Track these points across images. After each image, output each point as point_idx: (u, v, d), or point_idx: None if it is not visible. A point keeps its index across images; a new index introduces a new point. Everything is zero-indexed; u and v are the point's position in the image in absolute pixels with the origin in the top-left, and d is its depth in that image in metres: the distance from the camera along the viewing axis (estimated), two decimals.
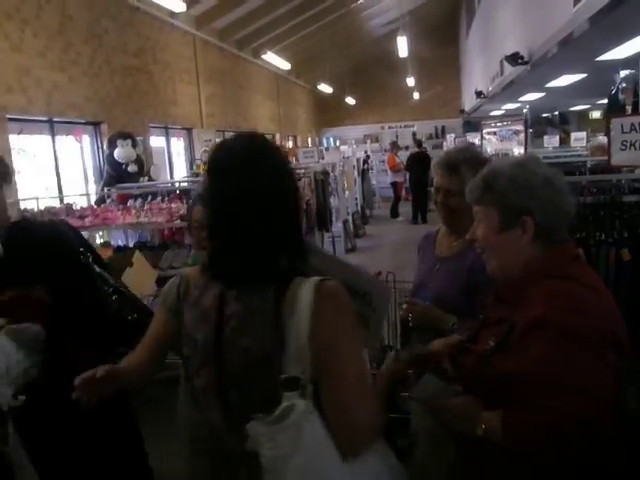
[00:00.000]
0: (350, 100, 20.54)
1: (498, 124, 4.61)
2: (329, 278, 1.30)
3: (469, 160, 2.10)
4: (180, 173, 10.31)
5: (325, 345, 1.24)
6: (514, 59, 6.88)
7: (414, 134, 20.45)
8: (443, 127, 21.43)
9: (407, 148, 17.31)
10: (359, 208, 12.31)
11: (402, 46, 13.24)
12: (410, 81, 18.36)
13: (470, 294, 1.97)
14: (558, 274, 1.41)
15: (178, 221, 4.91)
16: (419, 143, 12.42)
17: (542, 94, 10.55)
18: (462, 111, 19.29)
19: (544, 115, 16.67)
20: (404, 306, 2.14)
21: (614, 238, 2.60)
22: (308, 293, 1.26)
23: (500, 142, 3.92)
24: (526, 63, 6.84)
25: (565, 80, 8.42)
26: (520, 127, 4.41)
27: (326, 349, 1.24)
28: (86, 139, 7.79)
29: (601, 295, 1.42)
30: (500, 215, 1.47)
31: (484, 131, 4.96)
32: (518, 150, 4.08)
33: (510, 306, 1.47)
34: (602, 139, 6.04)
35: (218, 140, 11.87)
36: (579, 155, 7.98)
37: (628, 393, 1.33)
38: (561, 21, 5.26)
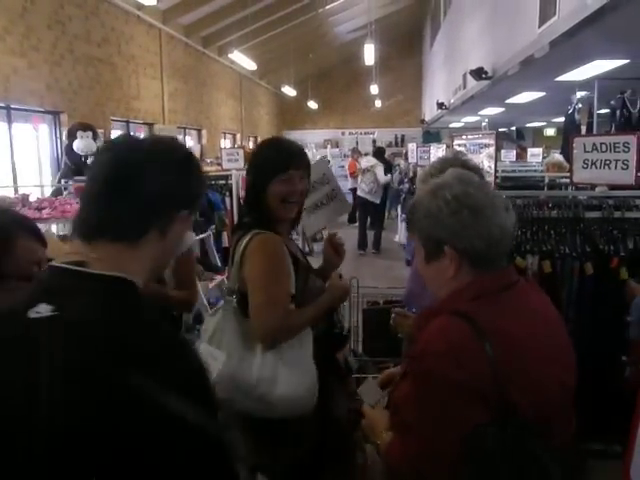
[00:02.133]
0: (312, 104, 20.62)
1: (469, 136, 4.70)
2: (263, 232, 1.94)
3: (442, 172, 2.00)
4: None
5: (246, 275, 1.94)
6: (478, 74, 7.05)
7: (374, 141, 20.66)
8: (403, 136, 21.72)
9: (367, 155, 17.42)
10: None
11: (369, 54, 13.35)
12: (373, 89, 18.55)
13: None
14: (456, 310, 1.29)
15: None
16: (380, 150, 12.36)
17: (502, 109, 10.84)
18: (422, 121, 19.61)
19: (501, 130, 17.10)
20: (393, 316, 2.16)
21: (577, 252, 2.70)
22: (245, 240, 1.95)
23: (470, 154, 4.01)
24: (489, 78, 7.01)
25: (525, 97, 8.67)
26: (489, 140, 4.52)
27: (247, 277, 1.93)
28: (44, 129, 7.59)
29: (504, 345, 1.23)
30: (424, 247, 1.41)
31: (455, 142, 5.07)
32: (488, 163, 4.20)
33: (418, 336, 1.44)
34: (558, 156, 6.25)
35: (180, 137, 11.74)
36: (535, 170, 8.26)
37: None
38: (526, 40, 5.42)
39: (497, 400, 1.18)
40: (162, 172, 1.04)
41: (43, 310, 0.96)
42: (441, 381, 1.22)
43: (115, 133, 9.22)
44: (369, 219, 10.93)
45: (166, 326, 1.04)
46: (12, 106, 6.75)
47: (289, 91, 19.02)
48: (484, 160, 4.47)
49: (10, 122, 6.83)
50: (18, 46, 6.65)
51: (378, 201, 10.52)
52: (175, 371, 0.94)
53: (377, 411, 1.58)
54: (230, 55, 12.98)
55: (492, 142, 4.66)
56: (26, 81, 6.79)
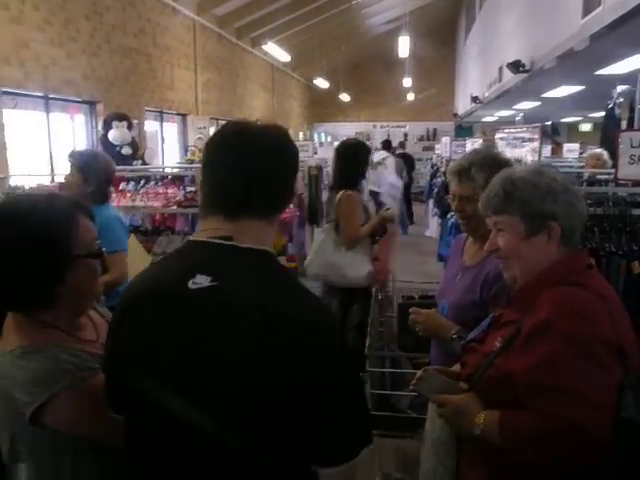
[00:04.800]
0: (344, 97, 20.52)
1: (512, 130, 4.61)
2: (350, 190, 3.70)
3: (479, 163, 2.03)
4: (172, 159, 10.22)
5: (339, 212, 3.75)
6: (515, 67, 6.92)
7: (406, 134, 20.50)
8: (435, 130, 21.50)
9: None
10: None
11: (403, 46, 13.21)
12: (406, 81, 18.37)
13: (483, 307, 1.92)
14: (570, 281, 1.42)
15: (175, 207, 4.86)
16: (387, 143, 12.27)
17: (537, 103, 10.64)
18: (455, 115, 19.38)
19: (536, 125, 16.80)
20: (411, 316, 2.13)
21: (624, 250, 2.62)
22: (340, 194, 3.73)
23: (512, 148, 3.93)
24: (527, 71, 6.87)
25: (562, 91, 8.49)
26: (533, 134, 4.42)
27: (339, 213, 3.75)
28: (79, 118, 7.69)
29: (611, 306, 1.42)
30: (525, 222, 1.48)
31: (496, 136, 4.97)
32: (532, 158, 4.10)
33: (521, 310, 1.48)
34: (600, 151, 6.10)
35: (212, 128, 11.80)
36: (571, 166, 8.07)
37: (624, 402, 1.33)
38: (566, 32, 5.29)
39: (618, 353, 1.34)
40: (296, 157, 1.25)
41: (202, 281, 1.07)
42: (588, 337, 1.32)
43: (149, 124, 9.30)
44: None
45: (306, 289, 1.18)
46: (50, 96, 6.84)
47: (321, 83, 18.96)
48: (527, 154, 4.38)
49: (48, 111, 6.93)
50: (57, 37, 6.74)
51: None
52: (327, 326, 1.12)
53: (463, 396, 1.50)
54: (264, 46, 12.99)
55: (535, 136, 4.57)
56: (64, 71, 6.87)
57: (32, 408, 1.21)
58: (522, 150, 4.48)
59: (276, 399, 1.05)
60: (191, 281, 1.08)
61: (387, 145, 11.71)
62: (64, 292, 1.30)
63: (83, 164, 3.02)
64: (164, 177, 5.71)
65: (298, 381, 1.05)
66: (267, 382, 1.04)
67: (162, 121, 10.18)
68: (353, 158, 3.81)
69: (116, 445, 1.23)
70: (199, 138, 9.03)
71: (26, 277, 1.26)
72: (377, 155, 10.87)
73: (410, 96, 20.50)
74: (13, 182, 5.56)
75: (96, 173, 2.97)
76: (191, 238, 1.19)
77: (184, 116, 10.89)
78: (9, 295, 1.30)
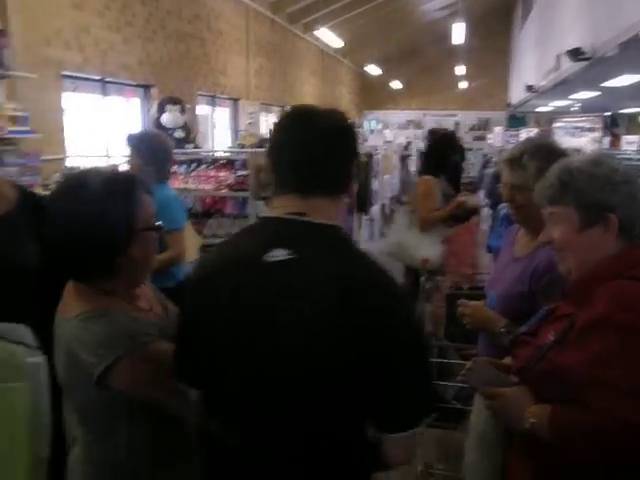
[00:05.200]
0: (396, 84, 20.30)
1: (571, 119, 4.48)
2: (427, 176, 4.20)
3: (531, 151, 1.98)
4: (223, 143, 10.34)
5: (415, 194, 4.21)
6: (575, 54, 6.69)
7: (457, 123, 20.17)
8: (487, 119, 21.07)
9: None
10: (396, 193, 12.19)
11: (458, 33, 12.95)
12: (459, 69, 18.02)
13: (530, 300, 1.88)
14: (628, 275, 1.38)
15: (225, 190, 4.92)
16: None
17: (596, 93, 10.27)
18: (508, 105, 18.93)
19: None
20: (459, 309, 2.11)
21: None
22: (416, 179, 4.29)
23: (571, 137, 3.81)
24: (587, 59, 6.64)
25: (624, 80, 8.17)
26: (594, 124, 4.29)
27: (415, 196, 4.16)
28: (134, 102, 7.84)
29: None
30: (581, 214, 1.43)
31: (554, 125, 4.85)
32: (592, 147, 3.98)
33: (576, 304, 1.44)
34: None
35: (263, 114, 11.87)
36: (630, 159, 7.80)
37: None
38: (631, 18, 5.08)
39: None
40: (357, 142, 1.30)
41: (279, 254, 1.13)
42: None
43: (200, 108, 9.42)
44: None
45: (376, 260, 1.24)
46: (107, 79, 7.00)
47: (373, 70, 18.80)
48: (587, 144, 4.25)
49: (105, 95, 7.09)
50: (115, 22, 6.87)
51: None
52: (402, 294, 1.23)
53: (514, 388, 1.48)
54: (316, 32, 12.95)
55: (597, 126, 4.43)
56: (121, 56, 7.01)
57: (99, 369, 1.26)
58: (581, 140, 4.35)
59: (355, 367, 1.11)
60: (268, 254, 1.14)
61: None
62: (125, 263, 1.35)
63: (140, 145, 3.09)
64: (215, 160, 5.79)
65: (378, 348, 1.11)
66: (347, 351, 1.10)
67: (214, 105, 10.29)
68: (435, 147, 4.24)
69: (171, 412, 1.32)
70: (250, 123, 9.10)
71: (93, 248, 1.31)
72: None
73: (462, 85, 20.13)
74: (70, 163, 5.75)
75: (153, 153, 3.04)
76: (264, 215, 1.28)
77: (235, 101, 10.98)
78: (76, 265, 1.35)
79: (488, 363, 1.63)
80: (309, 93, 16.04)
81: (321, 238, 1.20)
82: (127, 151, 3.19)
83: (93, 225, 1.29)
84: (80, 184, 1.37)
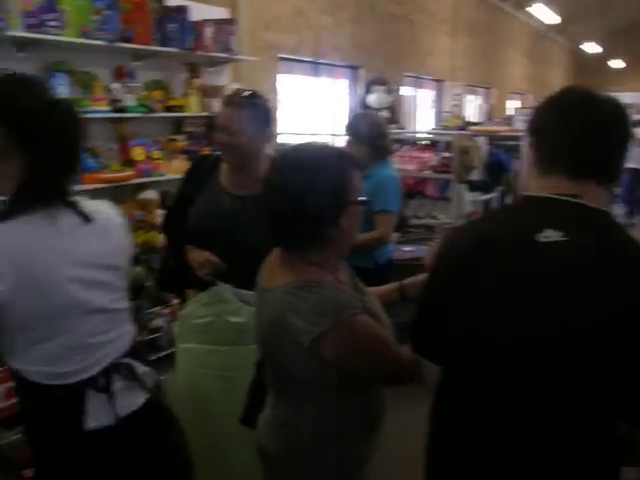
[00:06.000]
0: (616, 63, 18.43)
1: None
2: None
3: None
4: (425, 125, 10.25)
5: None
6: None
7: None
8: None
9: None
10: None
11: None
12: None
13: None
14: None
15: (429, 171, 4.87)
16: None
17: None
18: None
19: None
20: None
21: None
22: None
23: None
24: None
25: None
26: None
27: None
28: (342, 83, 8.07)
29: None
30: None
31: None
32: None
33: None
34: None
35: (467, 95, 11.54)
36: None
37: None
38: None
39: None
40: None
41: (552, 235, 1.13)
42: None
43: (404, 89, 9.42)
44: None
45: None
46: (319, 61, 7.29)
47: (590, 47, 17.27)
48: None
49: (317, 77, 7.39)
50: (328, 5, 7.11)
51: None
52: None
53: None
54: (529, 9, 12.22)
55: None
56: (332, 38, 7.24)
57: (311, 336, 1.29)
58: None
59: (625, 356, 1.07)
60: (539, 234, 1.13)
61: None
62: (335, 235, 1.37)
63: (353, 127, 3.17)
64: (418, 141, 5.75)
65: None
66: (623, 338, 1.06)
67: (418, 87, 10.22)
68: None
69: (371, 383, 1.39)
70: (454, 105, 8.90)
71: (310, 219, 1.34)
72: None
73: None
74: (281, 140, 6.10)
75: (366, 132, 3.08)
76: (527, 194, 1.25)
77: (440, 82, 10.81)
78: (290, 235, 1.39)
79: None
80: (516, 74, 15.24)
81: (595, 222, 1.17)
82: (337, 130, 3.29)
83: (309, 196, 1.32)
84: (296, 157, 1.41)
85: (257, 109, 2.16)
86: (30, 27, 3.06)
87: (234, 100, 2.17)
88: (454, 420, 1.25)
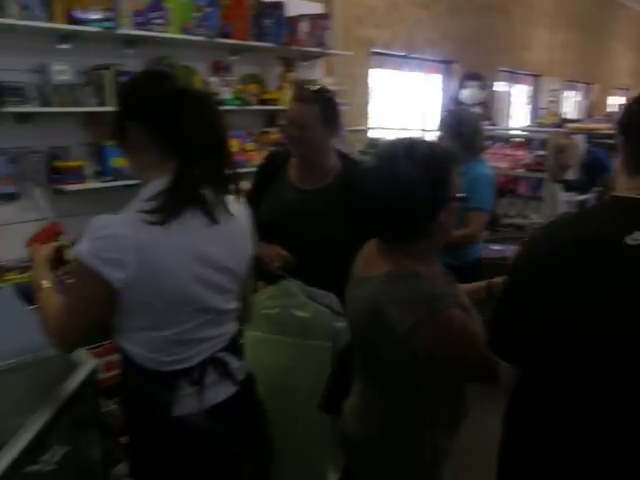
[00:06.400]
0: None
1: None
2: None
3: None
4: (519, 121, 9.93)
5: None
6: None
7: None
8: None
9: None
10: None
11: None
12: None
13: None
14: None
15: (521, 170, 4.74)
16: None
17: None
18: None
19: None
20: None
21: None
22: None
23: None
24: None
25: None
26: None
27: None
28: (434, 78, 7.95)
29: None
30: None
31: None
32: None
33: None
34: None
35: (565, 91, 11.07)
36: None
37: None
38: None
39: None
40: None
41: None
42: None
43: (498, 85, 9.16)
44: None
45: None
46: (412, 56, 7.22)
47: None
48: None
49: (409, 71, 7.33)
50: None
51: None
52: None
53: None
54: None
55: None
56: (426, 31, 7.15)
57: (406, 326, 1.32)
58: None
59: None
60: (629, 237, 1.10)
61: None
62: (434, 229, 1.41)
63: (446, 123, 3.14)
64: (512, 139, 5.60)
65: None
66: None
67: (513, 82, 9.91)
68: None
69: (459, 378, 1.41)
70: (551, 101, 8.57)
71: (415, 212, 1.38)
72: None
73: None
74: (371, 135, 6.12)
75: (460, 129, 3.05)
76: (616, 194, 1.21)
77: (537, 77, 10.42)
78: (394, 227, 1.42)
79: None
80: (622, 67, 14.43)
81: None
82: (427, 126, 3.27)
83: (418, 189, 1.35)
84: (406, 150, 1.42)
85: (326, 104, 2.18)
86: (138, 25, 3.24)
87: (303, 94, 2.19)
88: (536, 421, 1.24)
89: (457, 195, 1.44)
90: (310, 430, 2.10)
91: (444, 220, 1.41)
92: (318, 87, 2.21)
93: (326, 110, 2.18)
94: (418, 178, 1.36)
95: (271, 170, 2.38)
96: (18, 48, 3.00)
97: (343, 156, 2.34)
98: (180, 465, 1.42)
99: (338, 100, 2.28)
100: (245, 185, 4.14)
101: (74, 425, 1.50)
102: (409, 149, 1.42)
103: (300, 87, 2.24)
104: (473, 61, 8.06)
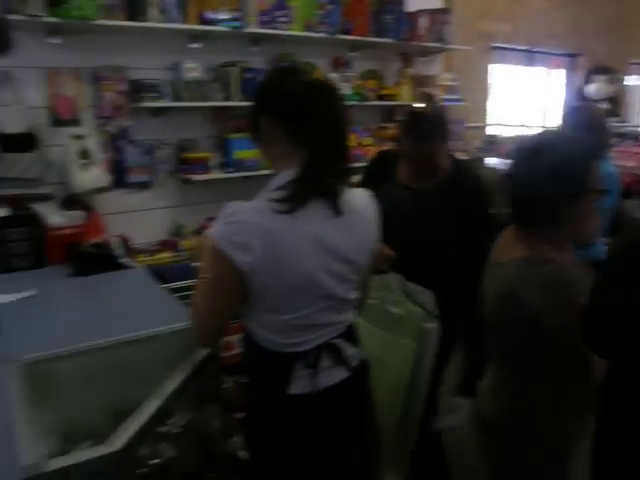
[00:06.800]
0: None
1: None
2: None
3: None
4: None
5: None
6: None
7: None
8: None
9: None
10: None
11: None
12: None
13: None
14: None
15: None
16: None
17: None
18: None
19: None
20: None
21: None
22: None
23: None
24: None
25: None
26: None
27: None
28: (558, 72, 7.59)
29: None
30: None
31: None
32: None
33: None
34: None
35: None
36: None
37: None
38: None
39: None
40: None
41: None
42: None
43: (630, 79, 8.57)
44: None
45: None
46: (534, 49, 6.94)
47: None
48: None
49: (530, 65, 7.06)
50: None
51: None
52: None
53: None
54: None
55: None
56: (550, 24, 6.84)
57: (537, 309, 1.38)
58: None
59: None
60: None
61: None
62: (571, 218, 1.47)
63: (570, 119, 3.03)
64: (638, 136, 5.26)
65: None
66: None
67: None
68: None
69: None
70: None
71: (555, 199, 1.44)
72: None
73: None
74: (489, 132, 5.98)
75: (584, 125, 2.92)
76: None
77: None
78: (534, 213, 1.49)
79: None
80: None
81: None
82: (548, 122, 3.16)
83: (561, 177, 1.42)
84: (551, 140, 1.51)
85: (440, 130, 2.23)
86: (263, 24, 3.39)
87: (421, 134, 2.21)
88: (629, 416, 1.25)
89: (599, 188, 1.49)
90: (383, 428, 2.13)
91: (582, 209, 1.46)
92: (424, 108, 2.29)
93: (442, 133, 2.23)
94: (561, 166, 1.42)
95: (381, 168, 2.43)
96: (155, 48, 3.25)
97: (451, 156, 2.37)
98: (291, 442, 1.49)
99: (448, 100, 2.33)
100: (355, 179, 4.25)
101: (198, 396, 1.61)
102: (555, 140, 1.50)
103: (412, 124, 2.26)
104: (601, 53, 7.60)
